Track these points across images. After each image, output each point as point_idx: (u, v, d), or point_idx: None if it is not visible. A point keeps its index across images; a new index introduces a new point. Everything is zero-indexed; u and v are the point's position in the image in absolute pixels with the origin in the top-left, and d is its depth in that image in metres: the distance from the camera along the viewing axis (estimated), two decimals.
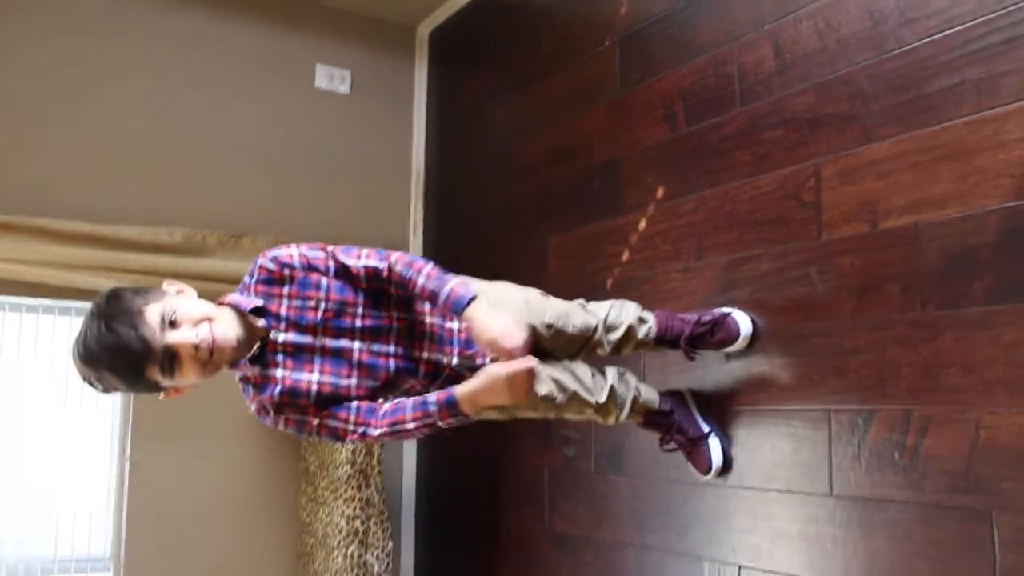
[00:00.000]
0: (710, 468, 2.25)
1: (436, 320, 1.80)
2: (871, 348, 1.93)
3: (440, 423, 1.69)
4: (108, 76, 3.27)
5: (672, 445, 2.28)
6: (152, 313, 1.56)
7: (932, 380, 1.81)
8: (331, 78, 3.67)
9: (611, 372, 2.13)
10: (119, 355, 1.54)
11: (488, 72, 3.54)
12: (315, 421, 1.70)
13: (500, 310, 1.68)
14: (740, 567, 2.21)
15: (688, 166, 2.47)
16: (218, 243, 3.31)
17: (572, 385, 2.00)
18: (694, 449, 2.28)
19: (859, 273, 1.97)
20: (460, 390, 1.66)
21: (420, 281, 1.69)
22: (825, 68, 2.09)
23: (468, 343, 1.82)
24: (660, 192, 2.56)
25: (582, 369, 2.06)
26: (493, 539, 3.19)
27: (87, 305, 3.20)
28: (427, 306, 1.80)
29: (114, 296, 1.59)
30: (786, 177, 2.17)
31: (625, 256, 2.68)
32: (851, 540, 1.95)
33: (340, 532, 3.10)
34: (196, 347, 1.58)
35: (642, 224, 2.62)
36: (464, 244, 3.57)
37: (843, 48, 2.05)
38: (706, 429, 2.27)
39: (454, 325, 1.81)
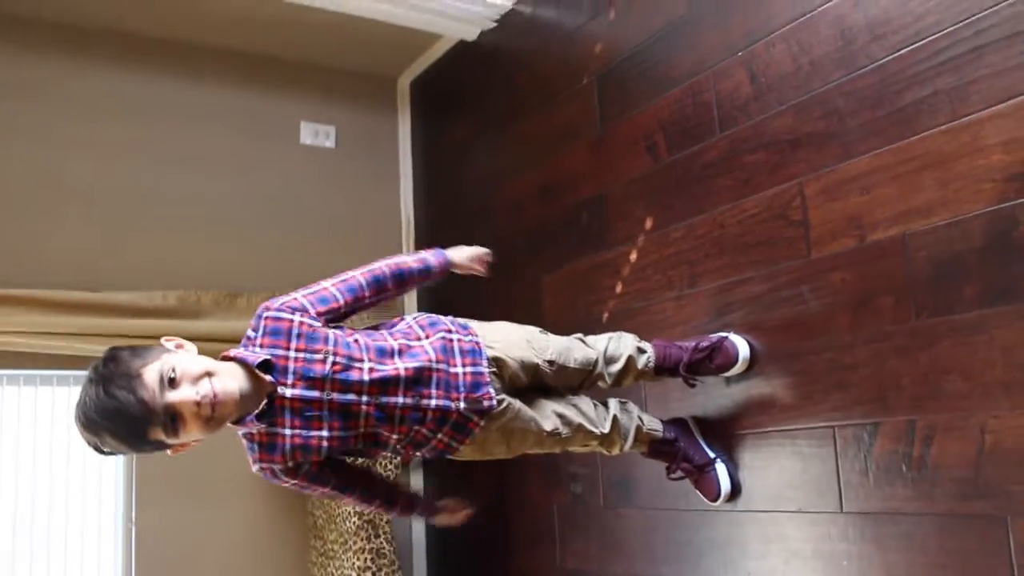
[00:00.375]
0: (719, 495, 2.24)
1: (443, 366, 1.79)
2: (870, 361, 1.94)
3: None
4: (95, 145, 3.31)
5: (679, 474, 2.27)
6: (150, 374, 1.53)
7: (933, 388, 1.81)
8: (316, 134, 3.71)
9: (613, 403, 2.13)
10: (119, 420, 1.51)
11: (470, 118, 3.59)
12: (328, 486, 1.76)
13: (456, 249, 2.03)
14: None
15: (673, 195, 2.49)
16: (213, 303, 3.32)
17: (576, 418, 2.00)
18: (701, 476, 2.27)
19: (851, 288, 1.98)
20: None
21: (410, 261, 1.91)
22: (800, 89, 2.13)
23: (476, 385, 1.82)
24: (648, 223, 2.58)
25: (584, 402, 2.06)
26: None
27: (86, 373, 3.20)
28: (433, 352, 1.81)
29: (111, 358, 1.56)
30: (771, 198, 2.19)
31: (619, 288, 2.69)
32: (866, 555, 1.93)
33: None
34: (198, 404, 1.55)
35: (633, 255, 2.64)
36: (458, 288, 3.55)
37: (816, 68, 2.09)
38: (712, 455, 2.27)
39: (459, 369, 1.81)
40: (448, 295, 3.59)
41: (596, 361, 2.10)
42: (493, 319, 2.05)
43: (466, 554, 3.46)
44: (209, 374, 1.58)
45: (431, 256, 1.95)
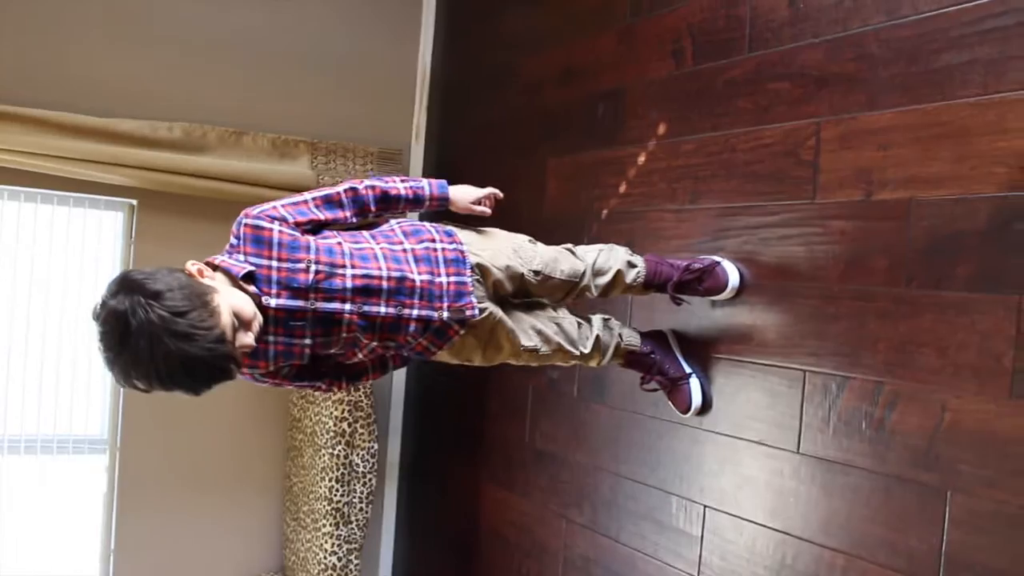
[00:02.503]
0: (689, 407, 2.30)
1: (425, 277, 1.81)
2: (852, 316, 1.96)
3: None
4: None
5: (653, 385, 2.33)
6: (228, 328, 1.52)
7: (906, 356, 1.84)
8: None
9: (597, 321, 2.16)
10: (210, 377, 1.52)
11: None
12: (305, 381, 1.82)
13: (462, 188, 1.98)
14: (706, 507, 2.30)
15: (691, 106, 2.43)
16: (218, 139, 3.28)
17: (556, 337, 2.04)
18: (674, 389, 2.31)
19: (848, 241, 1.97)
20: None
21: (400, 187, 1.87)
22: (838, 25, 2.03)
23: (459, 295, 1.85)
24: (662, 128, 2.53)
25: (567, 320, 2.09)
26: (476, 446, 3.30)
27: (86, 197, 3.20)
28: (415, 263, 1.81)
29: (177, 312, 1.45)
30: (787, 132, 2.14)
31: (622, 188, 2.67)
32: (813, 497, 2.02)
33: (328, 432, 3.20)
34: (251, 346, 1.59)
35: (641, 158, 2.60)
36: (466, 155, 3.54)
37: (858, 6, 1.99)
38: (688, 370, 2.31)
39: (443, 279, 1.83)
40: (456, 160, 3.56)
41: (584, 273, 2.12)
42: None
43: (441, 414, 3.59)
44: (255, 316, 1.60)
45: (429, 187, 1.92)
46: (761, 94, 2.22)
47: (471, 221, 2.02)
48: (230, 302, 1.55)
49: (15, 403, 3.15)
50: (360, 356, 1.84)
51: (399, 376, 3.76)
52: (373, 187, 1.83)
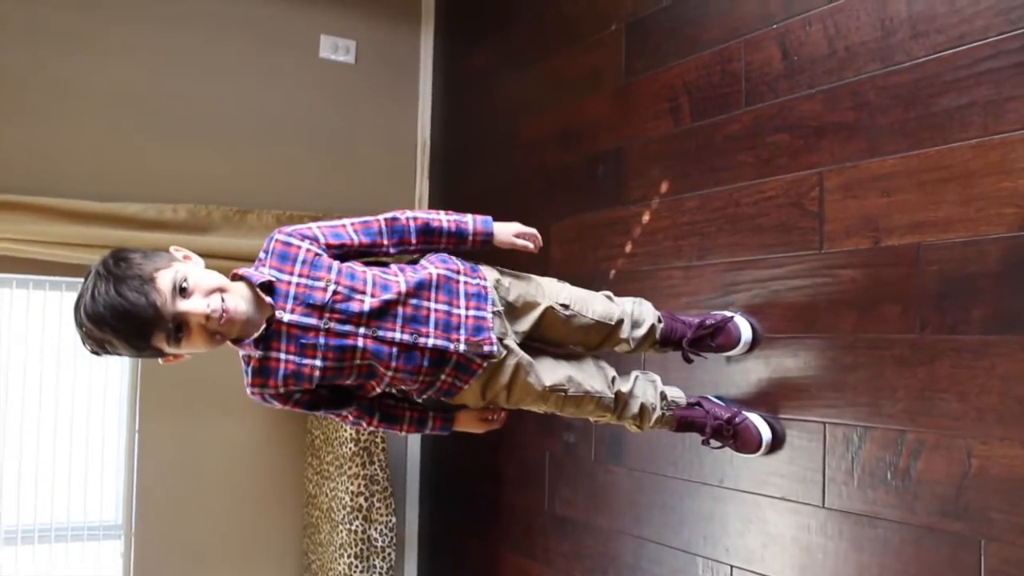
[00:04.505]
0: (760, 442, 2.13)
1: (443, 307, 1.76)
2: (868, 365, 1.93)
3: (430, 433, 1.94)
4: (110, 52, 3.23)
5: (716, 443, 2.18)
6: (164, 279, 1.53)
7: (927, 404, 1.81)
8: (336, 48, 3.61)
9: (634, 375, 2.10)
10: (127, 320, 1.51)
11: (494, 45, 3.48)
12: (320, 410, 1.78)
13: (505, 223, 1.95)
14: (732, 567, 2.25)
15: (692, 163, 2.44)
16: (223, 219, 3.30)
17: (586, 382, 1.96)
18: (736, 432, 2.15)
19: (860, 289, 1.96)
20: (457, 427, 1.93)
21: (444, 220, 1.84)
22: (833, 75, 2.05)
23: (477, 329, 1.79)
24: (664, 187, 2.54)
25: (600, 367, 2.03)
26: (495, 516, 3.25)
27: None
28: (435, 292, 1.77)
29: (122, 258, 1.54)
30: (790, 184, 2.14)
31: (628, 248, 2.67)
32: (842, 553, 1.97)
33: (344, 508, 3.15)
34: (207, 317, 1.56)
35: (646, 217, 2.60)
36: None
37: (852, 56, 2.00)
38: (736, 408, 2.20)
39: (461, 311, 1.78)
40: None
41: (620, 319, 2.05)
42: (500, 258, 2.00)
43: (459, 484, 3.54)
44: (221, 290, 1.59)
45: (473, 222, 1.88)
46: (761, 147, 2.23)
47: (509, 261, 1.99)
48: (185, 269, 1.56)
49: (28, 492, 3.12)
50: (379, 389, 1.78)
51: (414, 447, 3.72)
52: (415, 218, 1.81)
